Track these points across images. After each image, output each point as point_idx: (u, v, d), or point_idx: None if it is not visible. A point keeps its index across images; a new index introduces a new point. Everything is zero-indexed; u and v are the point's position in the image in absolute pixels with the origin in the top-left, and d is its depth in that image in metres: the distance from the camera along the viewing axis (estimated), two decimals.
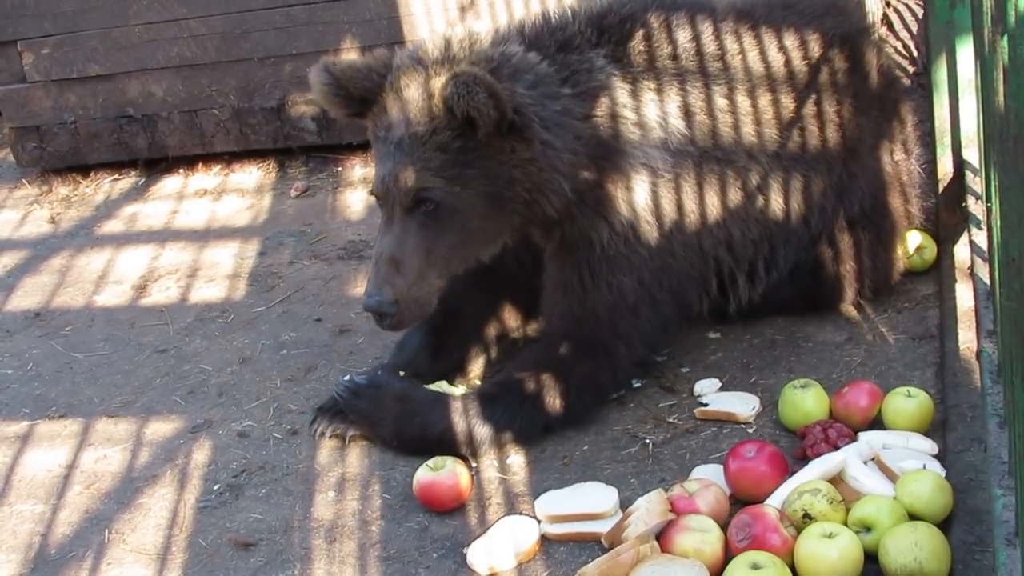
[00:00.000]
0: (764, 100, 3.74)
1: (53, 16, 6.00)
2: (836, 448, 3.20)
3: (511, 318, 4.05)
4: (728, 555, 2.90)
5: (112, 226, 5.76)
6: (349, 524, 3.35)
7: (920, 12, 5.77)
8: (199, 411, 4.01)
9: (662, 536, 2.96)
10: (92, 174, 6.32)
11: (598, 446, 3.54)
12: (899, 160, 4.01)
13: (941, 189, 4.12)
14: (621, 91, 3.57)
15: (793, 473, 3.13)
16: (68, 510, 3.60)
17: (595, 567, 2.90)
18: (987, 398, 3.01)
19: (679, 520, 2.97)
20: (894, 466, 3.07)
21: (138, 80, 6.05)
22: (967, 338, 3.53)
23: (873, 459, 3.14)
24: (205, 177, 6.14)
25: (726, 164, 3.68)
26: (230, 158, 6.18)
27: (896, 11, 6.10)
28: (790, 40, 3.81)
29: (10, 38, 6.08)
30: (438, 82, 3.37)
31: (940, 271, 4.05)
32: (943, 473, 3.04)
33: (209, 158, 6.19)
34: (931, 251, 4.11)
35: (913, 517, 2.89)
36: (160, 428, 3.95)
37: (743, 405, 3.56)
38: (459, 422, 3.51)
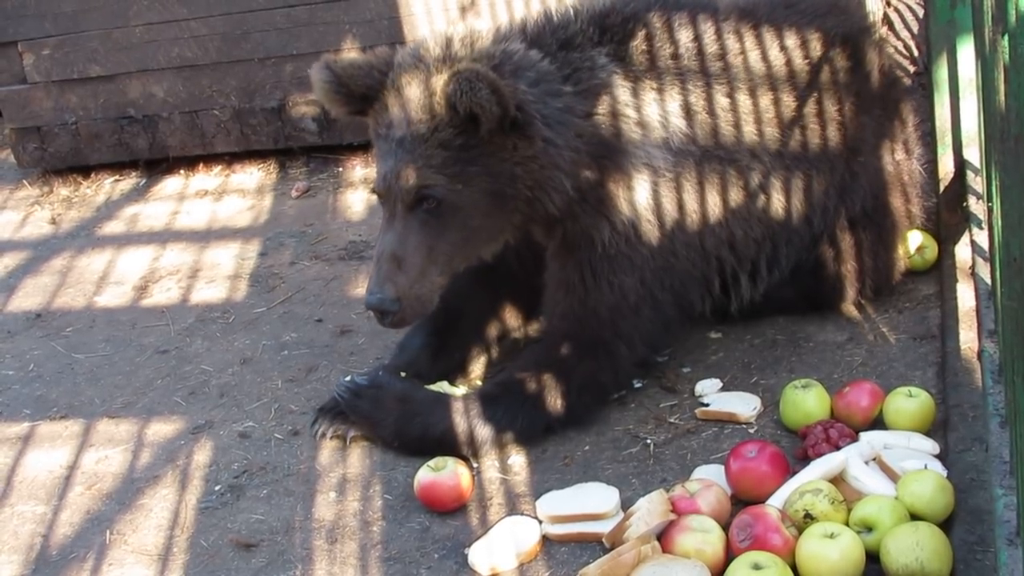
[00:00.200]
0: (766, 99, 3.73)
1: (54, 17, 6.00)
2: (837, 448, 3.20)
3: (512, 317, 4.05)
4: (729, 555, 2.89)
5: (113, 227, 5.76)
6: (350, 525, 3.35)
7: (921, 12, 5.76)
8: (200, 412, 4.01)
9: (663, 536, 2.96)
10: (93, 175, 6.32)
11: (599, 446, 3.53)
12: (900, 160, 4.01)
13: (942, 189, 4.12)
14: (622, 89, 3.57)
15: (794, 473, 3.13)
16: (69, 511, 3.60)
17: (596, 567, 2.90)
18: (988, 398, 3.01)
19: (680, 520, 2.97)
20: (895, 466, 3.07)
21: (139, 81, 6.05)
22: (968, 338, 3.53)
23: (874, 459, 3.14)
24: (206, 178, 6.14)
25: (728, 163, 3.68)
26: (231, 159, 6.18)
27: (897, 11, 6.09)
28: (792, 39, 3.81)
29: (11, 39, 6.08)
30: (440, 79, 3.37)
31: (941, 271, 4.05)
32: (944, 473, 3.03)
33: (210, 159, 6.19)
34: (932, 251, 4.10)
35: (914, 517, 2.89)
36: (161, 429, 3.95)
37: (744, 405, 3.56)
38: (460, 422, 3.51)
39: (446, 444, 3.50)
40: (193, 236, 5.50)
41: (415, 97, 3.43)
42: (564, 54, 3.56)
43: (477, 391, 3.68)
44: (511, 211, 3.52)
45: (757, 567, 2.76)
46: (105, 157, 6.26)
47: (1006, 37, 2.13)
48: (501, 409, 3.54)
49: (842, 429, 3.27)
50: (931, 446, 3.18)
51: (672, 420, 3.60)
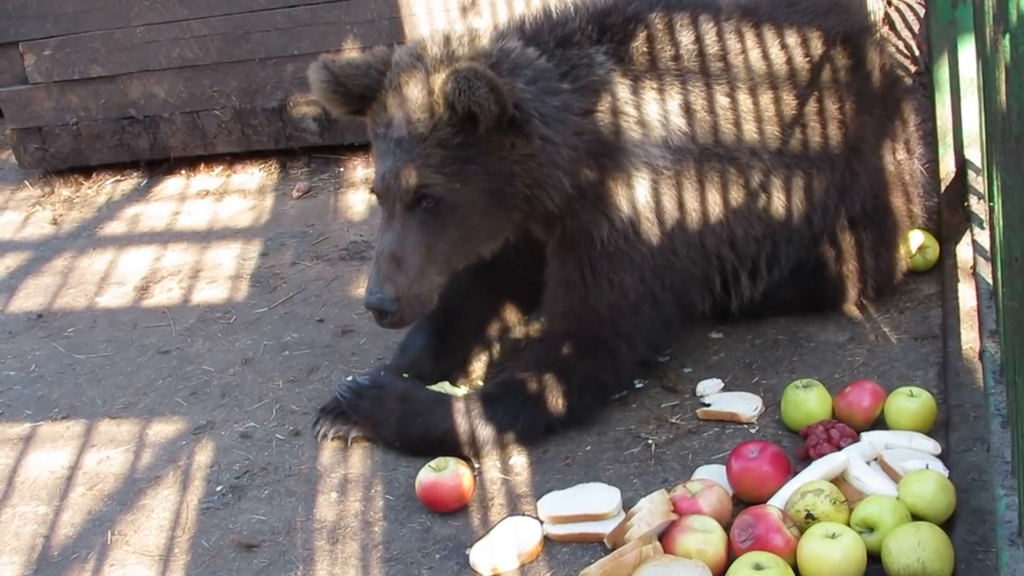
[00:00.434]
0: (766, 98, 3.73)
1: (55, 17, 6.00)
2: (839, 448, 3.20)
3: (512, 314, 4.06)
4: (731, 556, 2.89)
5: (114, 227, 5.76)
6: (352, 525, 3.35)
7: (922, 11, 5.76)
8: (201, 412, 4.01)
9: (665, 537, 2.96)
10: (94, 175, 6.32)
11: (600, 447, 3.53)
12: (901, 159, 4.00)
13: (943, 189, 4.11)
14: (621, 87, 3.57)
15: (796, 473, 3.13)
16: (71, 511, 3.60)
17: (598, 568, 2.89)
18: (990, 398, 3.01)
19: (682, 520, 2.97)
20: (897, 466, 3.07)
21: (140, 81, 6.05)
22: (970, 338, 3.53)
23: (876, 459, 3.14)
24: (207, 178, 6.14)
25: (728, 161, 3.68)
26: (232, 159, 6.18)
27: (898, 10, 6.09)
28: (792, 38, 3.80)
29: (12, 39, 6.08)
30: (438, 78, 3.37)
31: (943, 271, 4.04)
32: (946, 473, 3.03)
33: (211, 159, 6.19)
34: (934, 251, 4.10)
35: (916, 517, 2.89)
36: (162, 429, 3.95)
37: (746, 405, 3.56)
38: (462, 423, 3.51)
39: (447, 444, 3.50)
40: (194, 236, 5.50)
41: (413, 96, 3.43)
42: (562, 51, 3.56)
43: (478, 391, 3.68)
44: (510, 209, 3.52)
45: (759, 567, 2.76)
46: (106, 157, 6.26)
47: (1007, 37, 2.12)
48: (502, 409, 3.54)
49: (843, 429, 3.27)
50: (932, 446, 3.18)
51: (673, 420, 3.60)
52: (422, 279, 3.50)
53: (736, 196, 3.72)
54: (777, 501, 3.04)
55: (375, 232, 4.82)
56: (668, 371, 3.84)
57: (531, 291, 3.88)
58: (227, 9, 5.83)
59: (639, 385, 3.78)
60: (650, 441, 3.51)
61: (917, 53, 5.62)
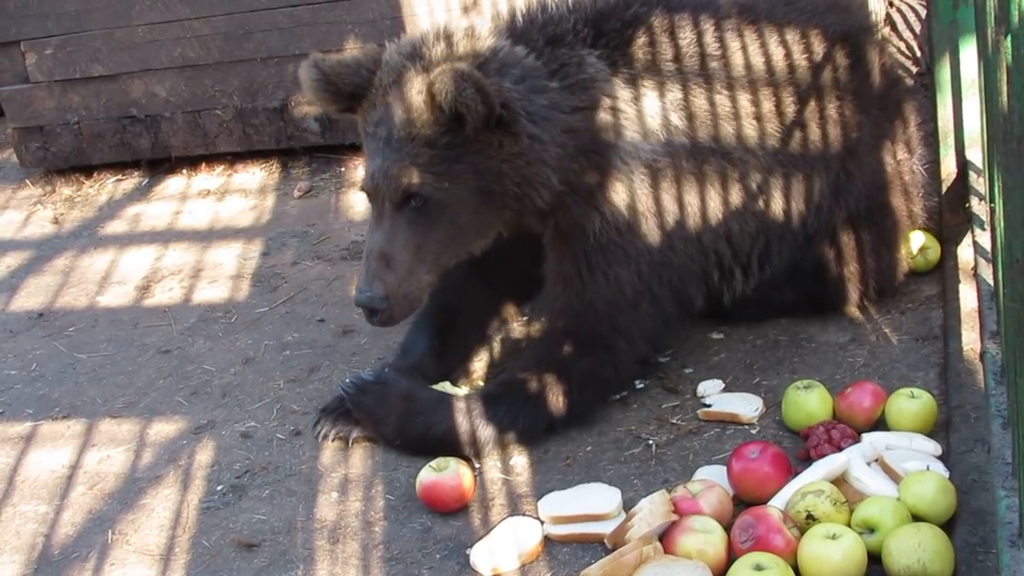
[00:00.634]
0: (761, 96, 3.71)
1: (56, 16, 6.01)
2: (839, 449, 3.20)
3: (512, 310, 4.07)
4: (731, 556, 2.89)
5: (115, 227, 5.76)
6: (352, 525, 3.35)
7: (923, 12, 5.76)
8: (202, 412, 4.02)
9: (665, 537, 2.96)
10: (95, 174, 6.32)
11: (601, 447, 3.53)
12: (901, 160, 4.00)
13: (944, 190, 4.11)
14: (613, 84, 3.56)
15: (796, 474, 3.12)
16: (71, 511, 3.60)
17: (598, 568, 2.89)
18: (991, 399, 3.01)
19: (682, 521, 2.97)
20: (897, 467, 3.07)
21: (141, 80, 6.06)
22: (971, 339, 3.53)
23: (876, 460, 3.14)
24: (208, 177, 6.14)
25: (721, 157, 3.67)
26: (233, 158, 6.18)
27: (899, 11, 6.09)
28: (791, 37, 3.79)
29: (13, 38, 6.08)
30: (426, 78, 3.37)
31: (944, 272, 4.04)
32: (946, 474, 3.03)
33: (212, 158, 6.19)
34: (935, 252, 4.10)
35: (916, 518, 2.89)
36: (163, 429, 3.95)
37: (746, 406, 3.56)
38: (462, 422, 3.51)
39: (448, 444, 3.50)
40: (195, 236, 5.50)
41: (402, 96, 3.43)
42: (551, 50, 3.55)
43: (479, 391, 3.68)
44: (499, 207, 3.53)
45: (759, 568, 2.76)
46: (107, 157, 6.26)
47: (1008, 38, 2.12)
48: (503, 409, 3.54)
49: (844, 430, 3.27)
50: (933, 447, 3.18)
51: (674, 421, 3.60)
52: (411, 278, 3.51)
53: (731, 192, 3.71)
54: (778, 502, 3.04)
55: None
56: (669, 372, 3.84)
57: (529, 283, 3.88)
58: (229, 8, 5.83)
59: (640, 385, 3.78)
60: (651, 441, 3.51)
61: (918, 54, 5.62)
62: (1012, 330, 2.49)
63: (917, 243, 4.07)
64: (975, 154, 4.00)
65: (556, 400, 3.57)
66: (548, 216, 3.60)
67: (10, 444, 3.99)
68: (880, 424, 3.37)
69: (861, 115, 3.86)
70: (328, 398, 3.86)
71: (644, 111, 3.58)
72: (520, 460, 3.53)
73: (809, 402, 3.41)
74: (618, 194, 3.55)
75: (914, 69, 5.55)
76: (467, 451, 3.52)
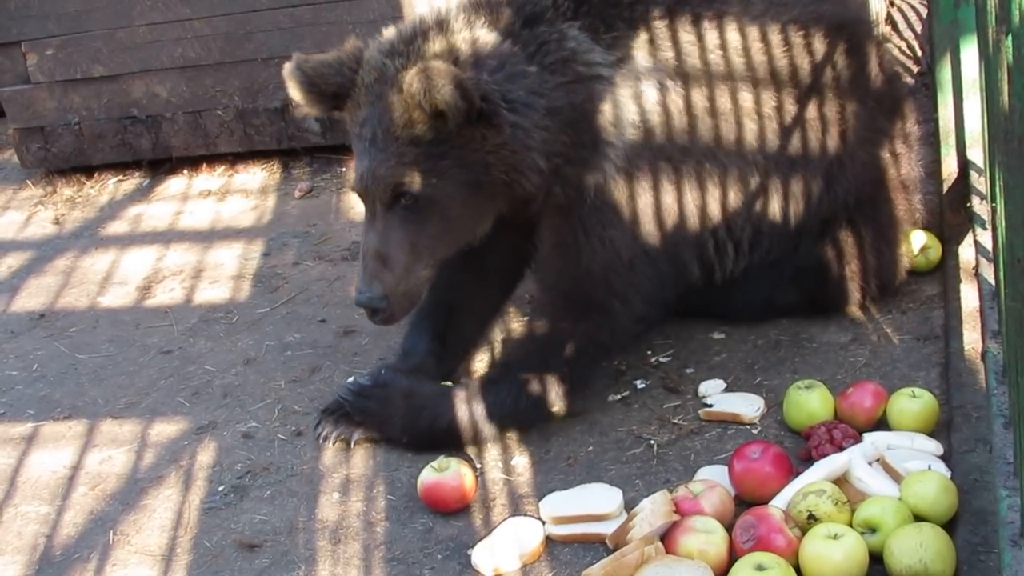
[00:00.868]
0: (756, 62, 3.67)
1: (57, 17, 6.01)
2: (841, 449, 3.20)
3: (509, 301, 4.08)
4: (733, 556, 2.89)
5: (116, 227, 5.76)
6: (353, 525, 3.35)
7: (924, 11, 5.76)
8: (203, 412, 4.02)
9: (666, 537, 2.96)
10: (96, 175, 6.32)
11: (602, 447, 3.53)
12: (898, 154, 3.98)
13: (945, 189, 4.11)
14: (595, 52, 3.52)
15: (798, 474, 3.12)
16: (73, 511, 3.60)
17: (600, 568, 2.89)
18: (992, 399, 3.01)
19: (684, 521, 2.97)
20: (899, 467, 3.06)
21: (142, 81, 6.06)
22: (972, 339, 3.52)
23: (878, 460, 3.14)
24: (209, 178, 6.14)
25: (713, 119, 3.62)
26: (234, 159, 6.18)
27: (900, 10, 6.09)
28: (787, 18, 3.74)
29: (14, 39, 6.09)
30: (404, 76, 3.36)
31: (945, 272, 4.04)
32: (948, 474, 3.03)
33: (213, 159, 6.19)
34: (936, 251, 4.10)
35: (918, 518, 2.89)
36: (165, 429, 3.95)
37: (748, 406, 3.56)
38: (466, 410, 3.52)
39: (454, 434, 3.52)
40: (196, 236, 5.50)
41: (383, 94, 3.43)
42: (529, 31, 3.51)
43: (480, 377, 3.69)
44: (490, 196, 3.53)
45: (761, 568, 2.76)
46: (108, 157, 6.26)
47: (1010, 37, 2.12)
48: (504, 391, 3.55)
49: (846, 430, 3.27)
50: (935, 447, 3.18)
51: (676, 421, 3.60)
52: (408, 275, 3.52)
53: (726, 153, 3.66)
54: (779, 502, 3.04)
55: None
56: (670, 371, 3.83)
57: (520, 264, 3.91)
58: (229, 9, 5.83)
59: (641, 385, 3.78)
60: (652, 441, 3.51)
61: (919, 53, 5.62)
62: (1013, 330, 2.48)
63: (918, 243, 4.07)
64: (976, 153, 4.00)
65: (556, 370, 3.56)
66: (542, 189, 3.57)
67: (11, 445, 3.99)
68: (881, 424, 3.37)
69: (854, 105, 3.82)
70: (329, 398, 3.85)
71: (630, 73, 3.54)
72: (521, 460, 3.53)
73: (810, 402, 3.41)
74: (609, 158, 3.53)
75: (915, 68, 5.55)
76: (472, 439, 3.53)
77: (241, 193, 5.92)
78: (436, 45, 3.45)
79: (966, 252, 3.91)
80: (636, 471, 3.40)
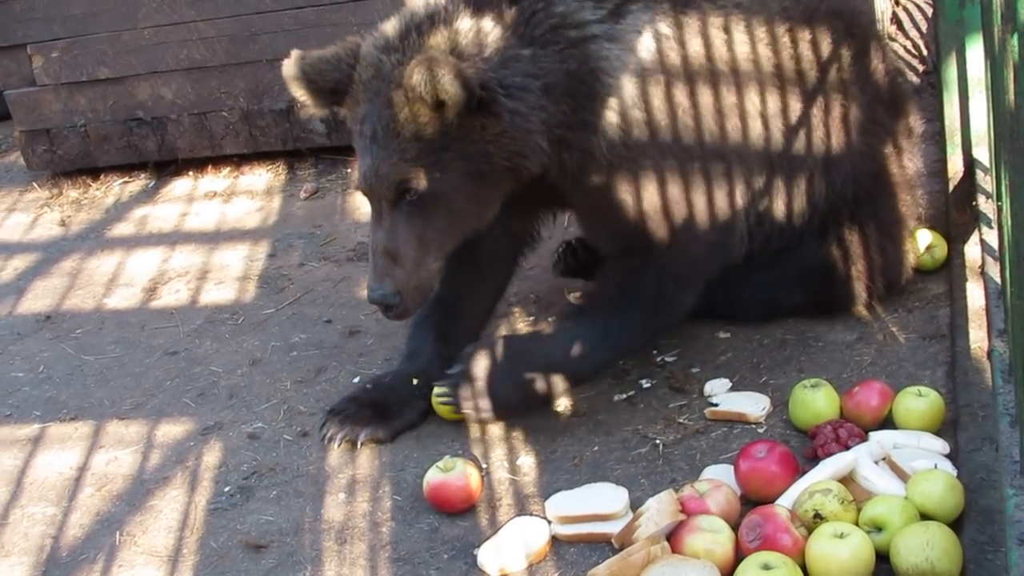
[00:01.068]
0: (755, 26, 3.65)
1: (62, 19, 6.02)
2: (847, 448, 3.20)
3: (511, 289, 4.10)
4: (739, 555, 2.89)
5: (122, 229, 5.77)
6: (359, 526, 3.36)
7: (930, 11, 5.76)
8: (209, 413, 4.02)
9: (673, 537, 2.95)
10: (102, 177, 6.34)
11: (608, 447, 3.53)
12: (901, 148, 3.96)
13: (951, 188, 4.11)
14: (585, 10, 3.49)
15: (804, 473, 3.12)
16: (79, 512, 3.61)
17: (606, 568, 2.89)
18: (998, 397, 3.00)
19: (690, 520, 2.96)
20: (905, 466, 3.06)
21: (147, 83, 6.07)
22: (978, 337, 3.52)
23: (884, 459, 3.14)
24: (215, 179, 6.15)
25: (711, 75, 3.58)
26: (239, 160, 6.19)
27: (906, 10, 6.10)
28: (779, 9, 3.71)
29: (20, 41, 6.10)
30: (402, 70, 3.36)
31: (951, 270, 4.03)
32: (954, 473, 3.03)
33: (219, 160, 6.20)
34: (942, 250, 4.09)
35: (924, 517, 2.89)
36: (171, 430, 3.96)
37: (753, 405, 3.56)
38: (562, 348, 3.56)
39: (554, 366, 3.54)
40: (202, 238, 5.51)
41: (381, 91, 3.43)
42: (516, 5, 3.48)
43: (562, 308, 3.78)
44: (495, 183, 3.52)
45: (767, 567, 2.76)
46: (114, 159, 6.27)
47: (1015, 36, 2.12)
48: (588, 322, 3.59)
49: (852, 429, 3.27)
50: (941, 446, 3.18)
51: (681, 420, 3.59)
52: (419, 270, 3.52)
53: (725, 101, 3.62)
54: (785, 501, 3.03)
55: None
56: (676, 371, 3.83)
57: (515, 249, 3.98)
58: (234, 11, 5.84)
59: (647, 385, 3.78)
60: (658, 441, 3.51)
61: (925, 52, 5.62)
62: (1019, 328, 2.48)
63: (924, 241, 4.06)
64: (982, 152, 4.00)
65: (641, 300, 3.60)
66: (554, 162, 3.55)
67: (18, 446, 4.00)
68: (888, 423, 3.37)
69: (853, 94, 3.79)
70: (335, 399, 3.86)
71: (623, 26, 3.50)
72: (527, 460, 3.53)
73: (816, 401, 3.40)
74: (614, 111, 3.49)
75: (921, 68, 5.55)
76: (577, 370, 3.58)
77: (246, 194, 5.93)
78: (431, 38, 3.44)
79: (972, 251, 3.91)
80: (642, 471, 3.39)
